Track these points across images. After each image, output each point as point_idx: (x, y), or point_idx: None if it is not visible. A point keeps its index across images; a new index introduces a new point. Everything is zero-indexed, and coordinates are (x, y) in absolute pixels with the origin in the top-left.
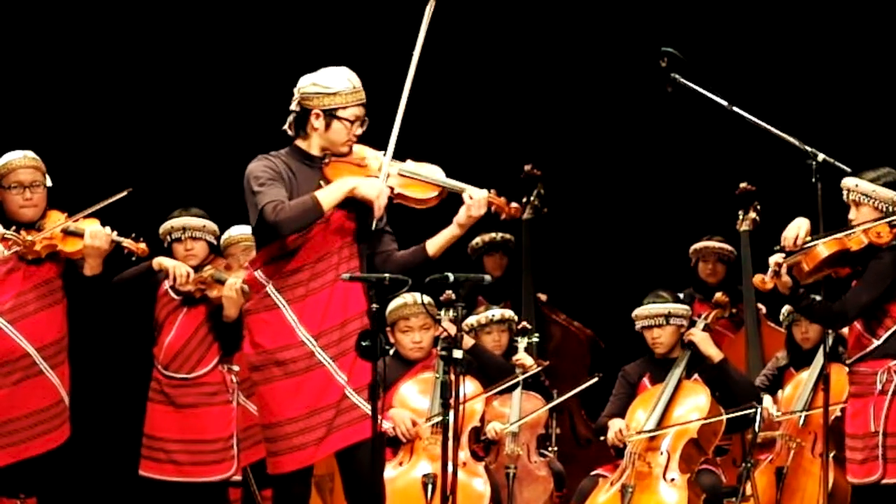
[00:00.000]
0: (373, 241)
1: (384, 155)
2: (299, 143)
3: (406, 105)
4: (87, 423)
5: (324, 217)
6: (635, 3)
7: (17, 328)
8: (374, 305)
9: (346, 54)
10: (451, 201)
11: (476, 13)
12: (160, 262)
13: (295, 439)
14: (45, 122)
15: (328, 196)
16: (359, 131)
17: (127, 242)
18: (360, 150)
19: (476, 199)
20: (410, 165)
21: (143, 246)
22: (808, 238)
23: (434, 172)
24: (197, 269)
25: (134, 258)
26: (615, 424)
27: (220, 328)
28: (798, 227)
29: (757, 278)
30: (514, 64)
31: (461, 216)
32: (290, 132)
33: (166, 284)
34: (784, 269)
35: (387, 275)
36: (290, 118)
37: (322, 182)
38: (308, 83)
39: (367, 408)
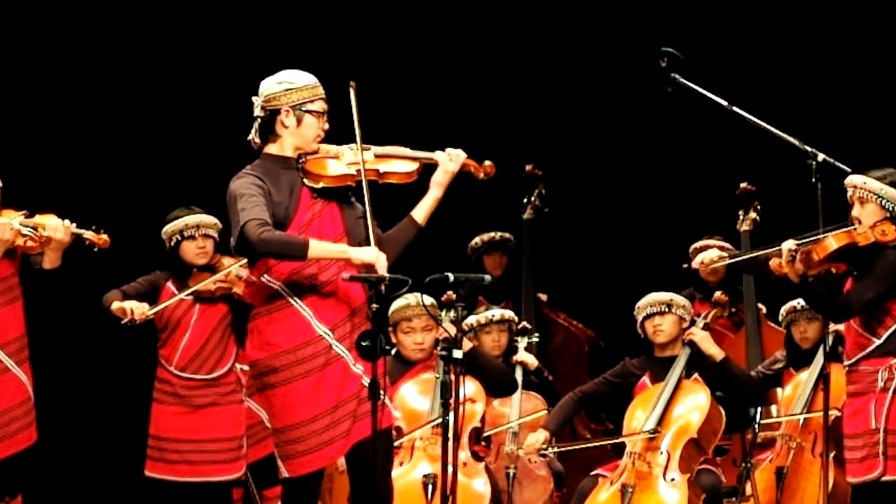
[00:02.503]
0: (359, 230)
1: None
2: (270, 149)
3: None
4: (86, 423)
5: (314, 215)
6: (635, 3)
7: None
8: (375, 305)
9: (310, 59)
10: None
11: (477, 13)
12: (118, 306)
13: (323, 435)
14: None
15: (319, 250)
16: (325, 126)
17: (88, 234)
18: (327, 148)
19: (450, 154)
20: (380, 149)
21: (105, 237)
22: (717, 259)
23: (404, 149)
24: (207, 268)
25: (96, 249)
26: (536, 436)
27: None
28: (709, 253)
29: (774, 262)
30: (515, 64)
31: (438, 174)
32: (256, 140)
33: (171, 286)
34: (798, 257)
35: (387, 275)
36: (256, 126)
37: (306, 181)
38: (272, 84)
39: (384, 397)
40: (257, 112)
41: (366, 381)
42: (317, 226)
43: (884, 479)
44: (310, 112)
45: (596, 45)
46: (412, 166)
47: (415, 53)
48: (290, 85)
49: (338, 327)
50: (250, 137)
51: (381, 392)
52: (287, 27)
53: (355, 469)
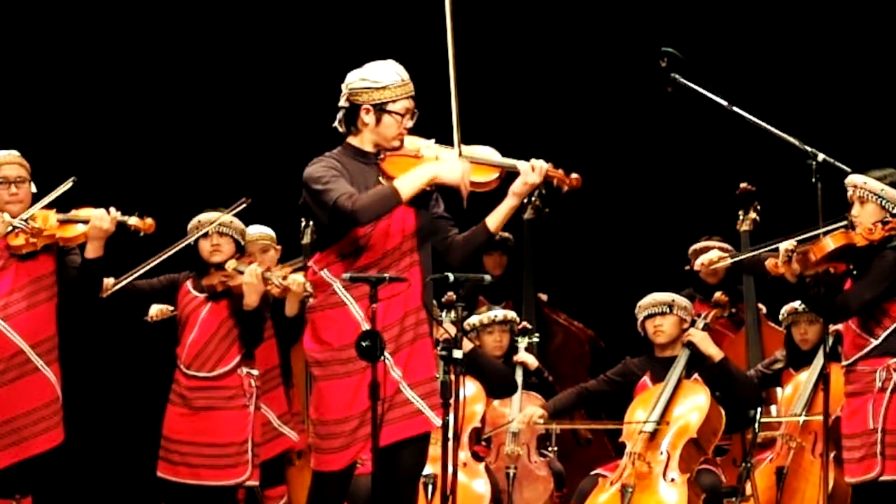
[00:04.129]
0: (432, 231)
1: (450, 144)
2: (351, 139)
3: (456, 89)
4: (107, 423)
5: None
6: (635, 3)
7: (10, 325)
8: (374, 305)
9: (375, 47)
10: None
11: (476, 14)
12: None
13: (348, 438)
14: (38, 125)
15: (408, 185)
16: (409, 124)
17: (133, 220)
18: (412, 142)
19: (534, 165)
20: (466, 150)
21: (150, 221)
22: (718, 260)
23: (489, 153)
24: (221, 266)
25: (141, 234)
26: (534, 409)
27: (240, 319)
28: (710, 254)
29: (770, 262)
30: (514, 64)
31: (517, 184)
32: (340, 129)
33: (188, 285)
34: (795, 257)
35: (387, 274)
36: (340, 115)
37: (381, 178)
38: (356, 79)
39: (420, 403)
40: (342, 102)
41: (403, 385)
42: (384, 225)
43: (882, 478)
44: (390, 112)
45: (596, 45)
46: (491, 176)
47: (415, 52)
48: (372, 83)
49: (386, 330)
50: (335, 124)
51: (420, 399)
52: (292, 31)
53: (384, 472)
